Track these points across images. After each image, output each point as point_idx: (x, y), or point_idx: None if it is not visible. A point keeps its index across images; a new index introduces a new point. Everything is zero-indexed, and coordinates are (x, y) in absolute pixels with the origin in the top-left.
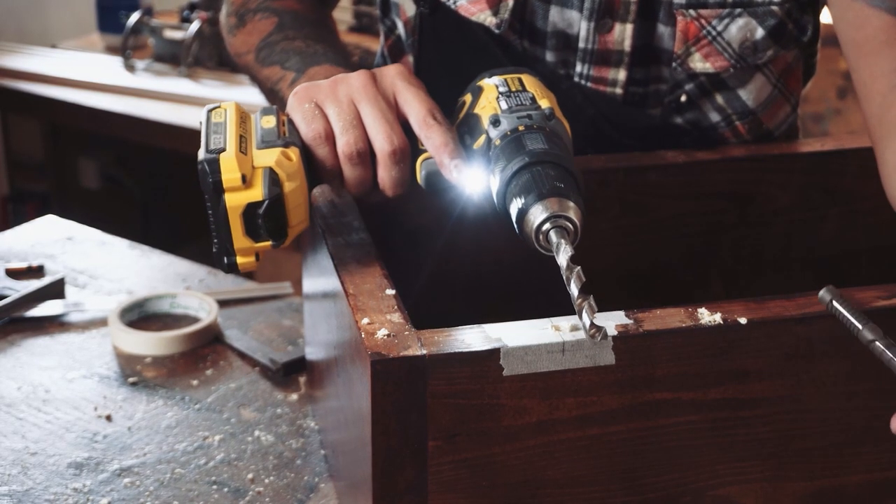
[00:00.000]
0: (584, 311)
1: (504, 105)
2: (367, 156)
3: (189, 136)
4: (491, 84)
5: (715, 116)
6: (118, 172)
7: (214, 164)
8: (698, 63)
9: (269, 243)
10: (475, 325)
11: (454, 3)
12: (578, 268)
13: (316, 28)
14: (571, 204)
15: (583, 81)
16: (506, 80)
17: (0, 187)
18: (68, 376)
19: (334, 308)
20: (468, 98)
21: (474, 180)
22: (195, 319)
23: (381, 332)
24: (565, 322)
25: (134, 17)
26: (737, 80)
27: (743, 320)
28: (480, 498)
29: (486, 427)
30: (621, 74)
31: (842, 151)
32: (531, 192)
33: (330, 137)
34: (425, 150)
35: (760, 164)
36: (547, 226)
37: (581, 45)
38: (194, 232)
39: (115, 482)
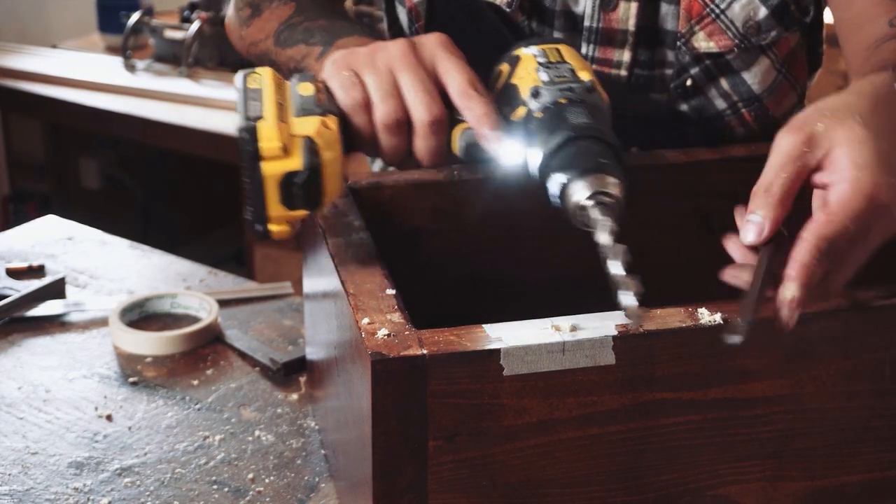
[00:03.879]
0: (630, 288)
1: (545, 76)
2: (404, 125)
3: (190, 136)
4: (529, 54)
5: (721, 103)
6: (119, 172)
7: (253, 132)
8: (702, 42)
9: (304, 212)
10: (475, 325)
11: None
12: (624, 246)
13: (334, 10)
14: (614, 180)
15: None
16: (544, 50)
17: (0, 187)
18: (69, 376)
19: (334, 308)
20: (505, 68)
21: (513, 152)
22: (195, 319)
23: (382, 332)
24: (565, 322)
25: (134, 17)
26: (742, 62)
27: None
28: (480, 498)
29: (486, 427)
30: (626, 56)
31: None
32: (574, 167)
33: (368, 106)
34: (462, 121)
35: (761, 164)
36: (590, 202)
37: (586, 23)
38: (195, 232)
39: (115, 482)
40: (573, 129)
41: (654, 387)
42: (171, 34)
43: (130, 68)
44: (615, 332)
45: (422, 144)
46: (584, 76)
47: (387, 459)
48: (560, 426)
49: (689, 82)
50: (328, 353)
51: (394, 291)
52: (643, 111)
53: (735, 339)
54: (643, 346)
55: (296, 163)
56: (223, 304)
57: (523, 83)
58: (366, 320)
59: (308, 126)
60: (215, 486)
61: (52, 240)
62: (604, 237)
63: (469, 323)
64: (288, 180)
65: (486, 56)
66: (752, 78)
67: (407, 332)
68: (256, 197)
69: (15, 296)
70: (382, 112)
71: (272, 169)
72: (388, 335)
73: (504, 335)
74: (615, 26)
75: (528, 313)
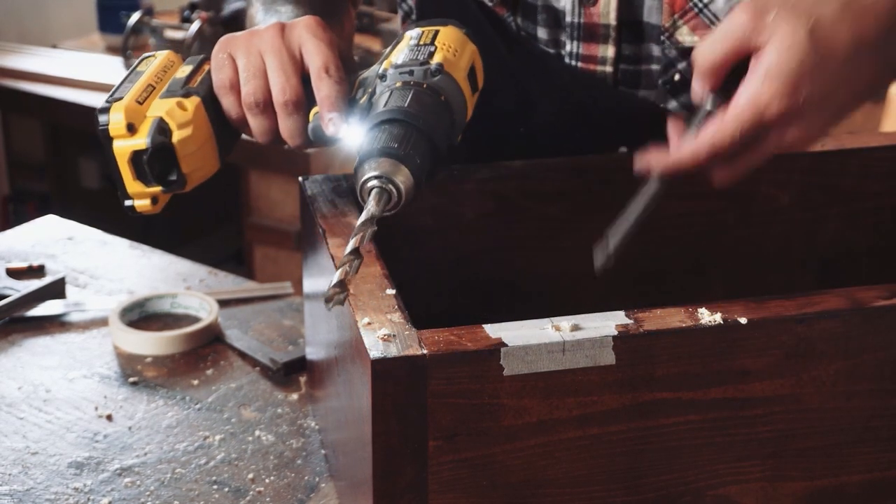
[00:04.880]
0: (342, 267)
1: (401, 59)
2: (268, 105)
3: None
4: (407, 35)
5: None
6: None
7: (104, 113)
8: (686, 36)
9: (158, 188)
10: (475, 325)
11: None
12: (370, 231)
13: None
14: (403, 168)
15: (573, 61)
16: (422, 31)
17: (0, 187)
18: (69, 376)
19: (334, 308)
20: (388, 49)
21: (350, 135)
22: (196, 319)
23: (382, 332)
24: (565, 322)
25: (134, 17)
26: None
27: (743, 320)
28: (480, 498)
29: (486, 427)
30: (610, 51)
31: (842, 151)
32: (367, 149)
33: (235, 87)
34: None
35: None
36: (371, 183)
37: (568, 18)
38: (195, 232)
39: (115, 482)
40: (384, 112)
41: (654, 387)
42: (171, 34)
43: None
44: (615, 332)
45: (282, 124)
46: (437, 58)
47: (387, 459)
48: (560, 426)
49: (676, 77)
50: (328, 353)
51: (394, 291)
52: (627, 108)
53: (599, 261)
54: (643, 346)
55: (142, 142)
56: (223, 304)
57: (385, 65)
58: (366, 320)
59: (162, 107)
60: (215, 486)
61: (52, 240)
62: (362, 216)
63: (469, 323)
64: (137, 158)
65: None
66: None
67: (407, 332)
68: (115, 175)
69: (15, 296)
70: (245, 92)
71: (121, 147)
72: (388, 335)
73: (504, 335)
74: (596, 20)
75: (528, 313)
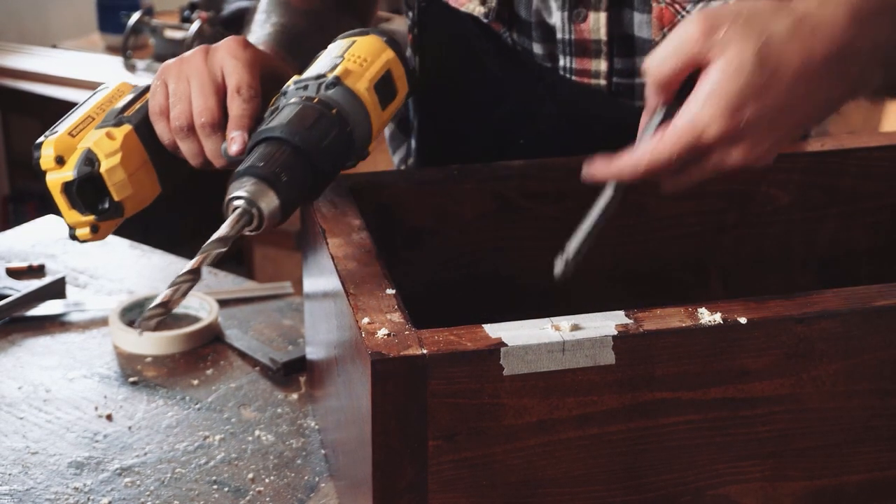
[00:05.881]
0: (172, 287)
1: (305, 74)
2: (191, 129)
3: None
4: (326, 49)
5: None
6: None
7: (37, 148)
8: None
9: (91, 217)
10: (475, 325)
11: None
12: (216, 251)
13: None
14: (269, 190)
15: (568, 75)
16: (339, 43)
17: (0, 187)
18: (69, 376)
19: (334, 308)
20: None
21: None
22: (196, 319)
23: (382, 332)
24: (565, 322)
25: (134, 17)
26: None
27: (743, 320)
28: (480, 498)
29: (486, 427)
30: (602, 65)
31: (842, 151)
32: (240, 167)
33: (165, 112)
34: None
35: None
36: (234, 203)
37: (559, 35)
38: (195, 232)
39: (115, 482)
40: (263, 131)
41: (654, 387)
42: (171, 34)
43: (130, 68)
44: (615, 332)
45: (204, 146)
46: (336, 71)
47: (387, 459)
48: (560, 426)
49: None
50: (328, 353)
51: (394, 291)
52: (628, 119)
53: (558, 269)
54: (643, 345)
55: (69, 173)
56: (223, 304)
57: (290, 81)
58: (366, 320)
59: (91, 138)
60: (215, 486)
61: (52, 240)
62: (214, 234)
63: (469, 323)
64: (68, 189)
65: (470, 70)
66: None
67: (407, 332)
68: (54, 205)
69: (15, 296)
70: (171, 117)
71: (52, 180)
72: (388, 335)
73: (504, 335)
74: (587, 37)
75: (527, 313)
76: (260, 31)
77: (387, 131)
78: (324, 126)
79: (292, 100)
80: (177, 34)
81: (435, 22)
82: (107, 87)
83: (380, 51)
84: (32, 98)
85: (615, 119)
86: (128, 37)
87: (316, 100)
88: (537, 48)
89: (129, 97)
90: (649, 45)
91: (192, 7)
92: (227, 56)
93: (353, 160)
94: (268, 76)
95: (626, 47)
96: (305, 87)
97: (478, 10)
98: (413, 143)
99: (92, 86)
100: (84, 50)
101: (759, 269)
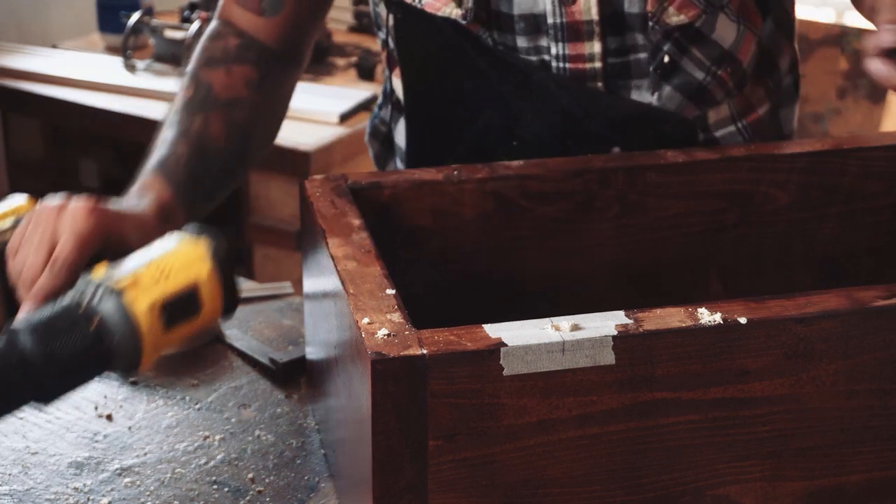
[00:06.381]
0: None
1: (108, 272)
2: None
3: None
4: (153, 245)
5: (699, 73)
6: (118, 172)
7: None
8: (673, 17)
9: None
10: (475, 325)
11: (420, 2)
12: None
13: (198, 126)
14: None
15: (560, 63)
16: (161, 245)
17: (0, 187)
18: None
19: (334, 308)
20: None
21: None
22: None
23: (382, 332)
24: (565, 322)
25: (134, 17)
26: (708, 25)
27: (743, 320)
28: (480, 497)
29: (486, 426)
30: (596, 47)
31: (842, 151)
32: None
33: (12, 254)
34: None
35: (760, 164)
36: None
37: (549, 20)
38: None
39: (115, 482)
40: (18, 322)
41: (654, 386)
42: (171, 34)
43: (130, 68)
44: (615, 332)
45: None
46: (125, 282)
47: (386, 459)
48: (560, 426)
49: (666, 59)
50: (328, 353)
51: (394, 291)
52: (615, 113)
53: None
54: (643, 345)
55: None
56: None
57: (95, 272)
58: (366, 320)
59: None
60: (215, 486)
61: None
62: None
63: (469, 323)
64: None
65: (454, 77)
66: (719, 37)
67: (407, 332)
68: None
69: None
70: (10, 267)
71: None
72: (388, 335)
73: (504, 335)
74: (579, 18)
75: (527, 313)
76: (157, 154)
77: (370, 152)
78: (72, 339)
79: (65, 302)
80: (177, 34)
81: (412, 33)
82: (8, 203)
83: (194, 265)
84: (32, 98)
85: (607, 111)
86: (128, 37)
87: (83, 308)
88: (522, 42)
89: (9, 222)
90: (640, 20)
91: (192, 7)
92: (68, 224)
93: (110, 371)
94: (110, 243)
95: (617, 25)
96: (83, 292)
97: (454, 12)
98: (398, 162)
99: (92, 86)
100: (84, 50)
101: (759, 269)
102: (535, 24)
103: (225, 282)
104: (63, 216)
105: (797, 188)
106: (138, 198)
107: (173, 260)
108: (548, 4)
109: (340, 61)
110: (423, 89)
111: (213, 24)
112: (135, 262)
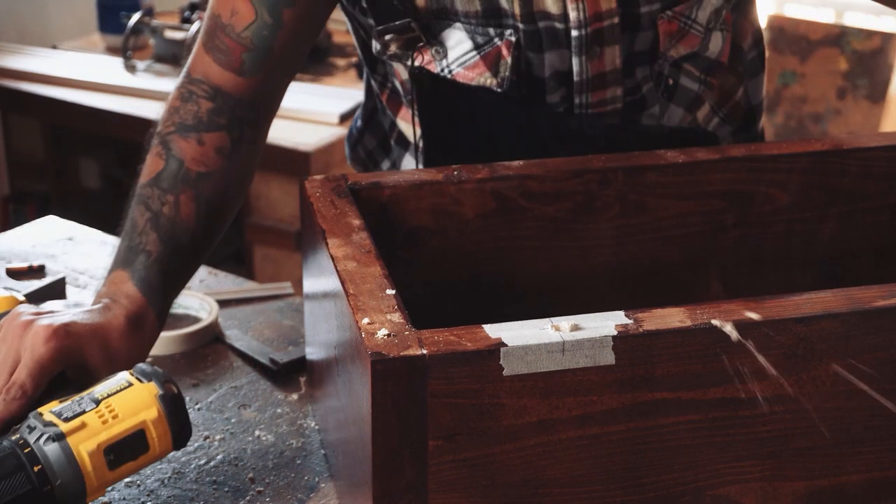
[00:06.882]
0: None
1: (52, 408)
2: None
3: None
4: (106, 382)
5: (693, 84)
6: (118, 172)
7: None
8: (680, 50)
9: None
10: (475, 325)
11: (450, 73)
12: None
13: (169, 207)
14: None
15: (584, 111)
16: (113, 382)
17: (0, 187)
18: None
19: (334, 308)
20: (105, 382)
21: None
22: (196, 319)
23: (382, 332)
24: (565, 322)
25: (134, 17)
26: (703, 46)
27: (743, 320)
28: (480, 497)
29: (486, 427)
30: (618, 91)
31: (842, 151)
32: None
33: None
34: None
35: (760, 164)
36: None
37: (576, 78)
38: None
39: None
40: None
41: (654, 387)
42: (171, 34)
43: (130, 69)
44: (615, 332)
45: None
46: (69, 425)
47: (387, 459)
48: (560, 426)
49: (670, 82)
50: (328, 353)
51: (394, 291)
52: (639, 141)
53: None
54: (643, 345)
55: None
56: (223, 304)
57: (42, 409)
58: (366, 320)
59: None
60: (215, 486)
61: (52, 240)
62: None
63: (469, 323)
64: None
65: (477, 129)
66: (711, 52)
67: (407, 332)
68: None
69: (24, 292)
70: None
71: None
72: (388, 335)
73: (504, 335)
74: (604, 69)
75: (527, 313)
76: (126, 244)
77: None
78: (16, 480)
79: (13, 437)
80: (177, 34)
81: (438, 98)
82: None
83: (143, 407)
84: (32, 98)
85: (630, 142)
86: (128, 37)
87: (28, 449)
88: (551, 97)
89: None
90: (648, 57)
91: (192, 7)
92: (28, 347)
93: None
94: (71, 364)
95: (630, 66)
96: (32, 429)
97: (490, 81)
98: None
99: (92, 86)
100: (84, 50)
101: (759, 269)
102: (562, 80)
103: (174, 420)
104: (26, 337)
105: (797, 188)
106: (105, 309)
107: (121, 402)
108: (575, 65)
109: (340, 61)
110: (446, 142)
111: (182, 80)
112: (85, 401)
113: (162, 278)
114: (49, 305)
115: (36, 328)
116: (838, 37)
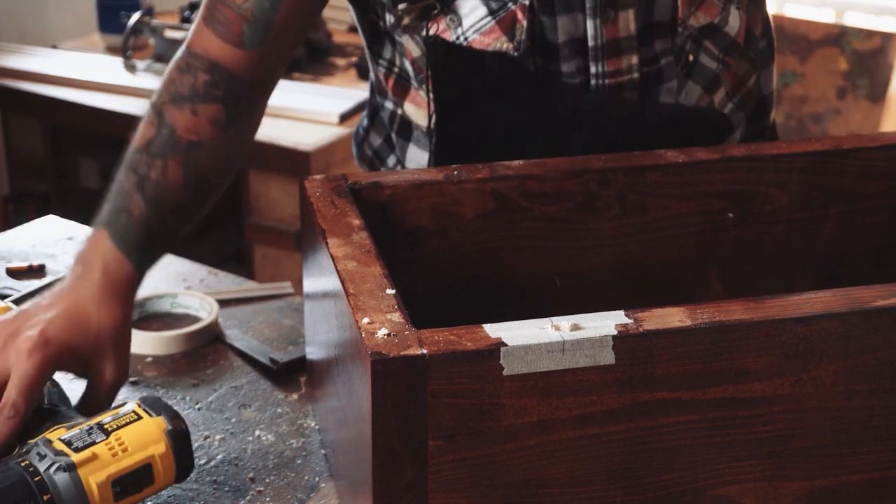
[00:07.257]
0: None
1: (61, 436)
2: None
3: None
4: (118, 411)
5: (712, 63)
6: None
7: None
8: (701, 20)
9: None
10: (475, 325)
11: (465, 40)
12: None
13: (158, 171)
14: None
15: (600, 80)
16: (124, 412)
17: (0, 187)
18: (69, 376)
19: (334, 308)
20: (114, 412)
21: None
22: (196, 319)
23: (382, 332)
24: (565, 322)
25: (134, 17)
26: (722, 20)
27: (743, 320)
28: (480, 497)
29: (486, 426)
30: (634, 59)
31: (842, 151)
32: None
33: None
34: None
35: (760, 164)
36: None
37: (591, 43)
38: (194, 232)
39: None
40: None
41: (654, 386)
42: (171, 34)
43: (131, 68)
44: (615, 332)
45: None
46: (80, 455)
47: (387, 459)
48: (560, 426)
49: (690, 58)
50: (328, 353)
51: (394, 291)
52: (658, 124)
53: None
54: (643, 345)
55: None
56: (223, 304)
57: (50, 434)
58: (366, 320)
59: None
60: (215, 486)
61: (52, 240)
62: None
63: (469, 323)
64: None
65: (492, 104)
66: (730, 28)
67: (407, 332)
68: None
69: (15, 296)
70: None
71: None
72: (388, 335)
73: (504, 335)
74: (619, 35)
75: (527, 313)
76: (112, 205)
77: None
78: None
79: (20, 462)
80: (177, 34)
81: (453, 67)
82: None
83: (152, 441)
84: (32, 98)
85: (648, 125)
86: (128, 37)
87: (38, 477)
88: (565, 66)
89: None
90: (667, 27)
91: (192, 7)
92: (13, 362)
93: None
94: (63, 367)
95: (649, 35)
96: (42, 456)
97: (506, 45)
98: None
99: (92, 86)
100: (84, 50)
101: (759, 269)
102: (577, 47)
103: (180, 455)
104: (9, 354)
105: (797, 188)
106: (77, 280)
107: (131, 435)
108: (589, 28)
109: (340, 61)
110: (460, 120)
111: (181, 53)
112: (95, 431)
113: (144, 237)
114: (28, 304)
115: (18, 344)
116: (838, 37)
